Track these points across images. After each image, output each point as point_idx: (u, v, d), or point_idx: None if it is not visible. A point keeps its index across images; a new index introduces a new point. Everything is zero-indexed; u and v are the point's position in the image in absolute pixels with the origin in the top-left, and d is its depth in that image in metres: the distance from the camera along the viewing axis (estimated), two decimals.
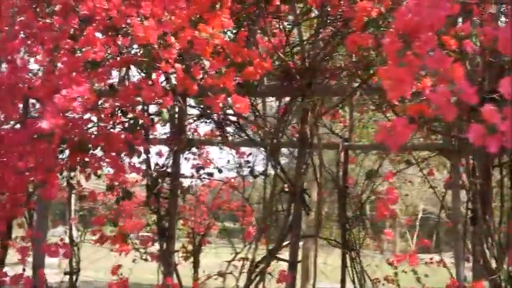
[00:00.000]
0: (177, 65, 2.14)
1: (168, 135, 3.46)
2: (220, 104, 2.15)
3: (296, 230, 2.96)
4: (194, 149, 4.08)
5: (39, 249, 3.19)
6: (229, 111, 2.98)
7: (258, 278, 2.90)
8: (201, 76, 2.20)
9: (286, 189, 3.02)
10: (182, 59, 2.23)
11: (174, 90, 2.17)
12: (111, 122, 3.02)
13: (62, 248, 3.04)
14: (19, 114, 2.91)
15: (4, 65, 3.45)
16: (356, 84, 3.02)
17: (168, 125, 3.46)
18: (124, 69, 3.10)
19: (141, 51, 2.23)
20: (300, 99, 3.02)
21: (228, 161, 5.25)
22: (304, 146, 3.00)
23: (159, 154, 3.60)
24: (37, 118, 2.78)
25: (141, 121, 3.08)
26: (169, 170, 3.25)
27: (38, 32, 2.46)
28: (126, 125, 2.98)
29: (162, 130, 3.53)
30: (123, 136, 2.76)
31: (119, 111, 3.04)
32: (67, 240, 3.77)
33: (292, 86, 2.98)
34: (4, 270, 3.10)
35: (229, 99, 2.19)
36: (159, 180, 3.16)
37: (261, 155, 4.04)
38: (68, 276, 4.05)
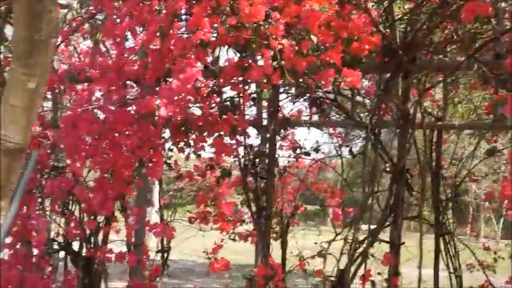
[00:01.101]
0: (285, 41, 2.10)
1: (253, 116, 3.46)
2: (331, 79, 2.10)
3: (398, 210, 2.86)
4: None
5: (142, 227, 3.31)
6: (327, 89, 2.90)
7: (359, 260, 2.84)
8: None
9: (388, 169, 2.92)
10: (288, 35, 2.19)
11: (281, 68, 2.13)
12: (207, 103, 3.06)
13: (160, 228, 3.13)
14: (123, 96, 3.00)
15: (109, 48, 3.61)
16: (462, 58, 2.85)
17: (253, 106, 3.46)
18: (217, 49, 3.12)
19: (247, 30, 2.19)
20: (401, 75, 2.90)
21: (317, 141, 5.21)
22: (407, 124, 2.89)
23: (247, 135, 3.60)
24: (138, 99, 2.86)
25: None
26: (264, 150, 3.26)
27: (144, 14, 2.50)
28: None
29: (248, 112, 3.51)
30: (224, 116, 2.78)
31: (214, 92, 3.08)
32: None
33: (393, 61, 2.86)
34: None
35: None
36: (256, 160, 3.16)
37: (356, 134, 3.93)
38: (159, 255, 4.17)
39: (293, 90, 3.21)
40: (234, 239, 3.84)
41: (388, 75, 2.91)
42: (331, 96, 3.02)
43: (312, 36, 2.07)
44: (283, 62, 2.12)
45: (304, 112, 4.95)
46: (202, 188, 6.21)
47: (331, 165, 4.12)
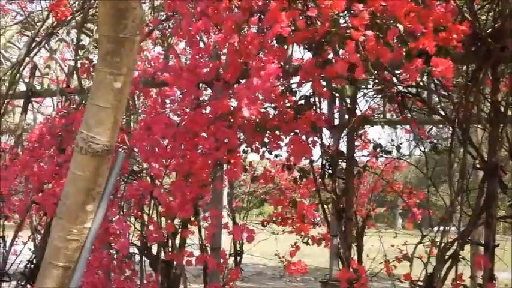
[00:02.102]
0: (368, 32, 1.98)
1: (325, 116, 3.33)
2: (418, 71, 1.97)
3: (491, 210, 2.66)
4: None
5: (218, 230, 3.27)
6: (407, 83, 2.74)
7: (449, 263, 2.66)
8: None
9: (478, 166, 2.72)
10: (370, 25, 2.07)
11: (366, 60, 2.01)
12: (281, 102, 2.99)
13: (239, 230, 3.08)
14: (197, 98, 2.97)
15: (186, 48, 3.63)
16: None
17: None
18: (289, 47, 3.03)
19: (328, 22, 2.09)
20: (491, 65, 2.69)
21: (392, 139, 5.01)
22: (498, 118, 2.67)
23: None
24: (213, 100, 2.82)
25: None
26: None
27: (218, 12, 2.45)
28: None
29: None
30: (303, 116, 2.69)
31: (288, 91, 2.99)
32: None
33: (481, 51, 2.66)
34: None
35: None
36: (334, 160, 3.05)
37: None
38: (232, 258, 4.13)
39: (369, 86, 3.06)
40: (307, 243, 3.74)
41: (476, 65, 2.71)
42: (413, 90, 2.86)
43: (398, 25, 1.94)
44: (365, 53, 2.01)
45: (377, 109, 4.78)
46: (274, 190, 6.16)
47: (407, 164, 3.91)
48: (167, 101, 3.18)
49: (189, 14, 2.60)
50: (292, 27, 2.28)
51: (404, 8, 1.90)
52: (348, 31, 2.00)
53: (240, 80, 2.81)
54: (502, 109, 2.74)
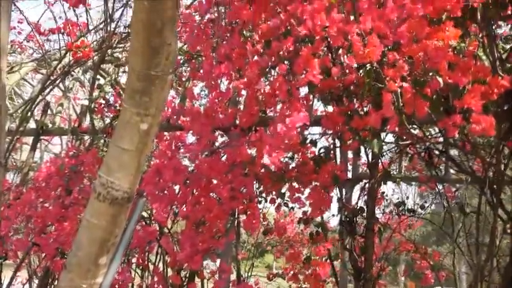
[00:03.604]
0: (405, 84, 1.88)
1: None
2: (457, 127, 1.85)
3: None
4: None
5: (227, 284, 3.09)
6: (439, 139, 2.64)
7: None
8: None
9: (509, 231, 2.57)
10: (405, 78, 1.97)
11: (402, 113, 1.90)
12: (300, 153, 2.88)
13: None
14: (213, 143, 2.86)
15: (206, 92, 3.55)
16: None
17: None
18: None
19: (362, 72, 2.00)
20: None
21: (407, 197, 4.86)
22: None
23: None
24: (230, 147, 2.71)
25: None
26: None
27: (243, 57, 2.37)
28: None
29: None
30: (325, 167, 2.57)
31: (309, 141, 2.89)
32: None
33: None
34: None
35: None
36: (354, 217, 2.90)
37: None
38: None
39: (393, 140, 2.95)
40: None
41: (509, 123, 2.60)
42: (440, 147, 2.74)
43: (438, 77, 1.84)
44: (402, 105, 1.90)
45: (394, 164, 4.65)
46: (280, 244, 5.96)
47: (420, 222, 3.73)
48: (180, 144, 3.08)
49: (211, 57, 2.52)
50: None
51: (446, 59, 1.80)
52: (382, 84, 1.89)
53: (256, 128, 2.72)
54: None
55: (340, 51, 2.11)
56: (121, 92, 3.84)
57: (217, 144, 2.95)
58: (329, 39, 2.06)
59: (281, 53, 2.18)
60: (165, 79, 1.21)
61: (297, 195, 2.69)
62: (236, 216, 2.80)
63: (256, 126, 2.73)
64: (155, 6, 1.16)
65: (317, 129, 3.00)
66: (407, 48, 1.85)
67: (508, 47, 2.84)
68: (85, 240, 1.25)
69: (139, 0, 1.18)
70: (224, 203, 2.49)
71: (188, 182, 2.65)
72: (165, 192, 2.65)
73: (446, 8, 1.93)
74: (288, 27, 2.14)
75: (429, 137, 2.67)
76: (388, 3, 1.90)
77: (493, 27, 2.64)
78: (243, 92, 2.54)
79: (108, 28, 3.91)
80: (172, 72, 1.26)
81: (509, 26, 2.81)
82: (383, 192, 3.91)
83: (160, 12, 1.16)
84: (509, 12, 2.30)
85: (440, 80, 1.88)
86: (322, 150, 2.87)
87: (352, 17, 2.06)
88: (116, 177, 1.20)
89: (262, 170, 2.71)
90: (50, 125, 4.84)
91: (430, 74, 1.86)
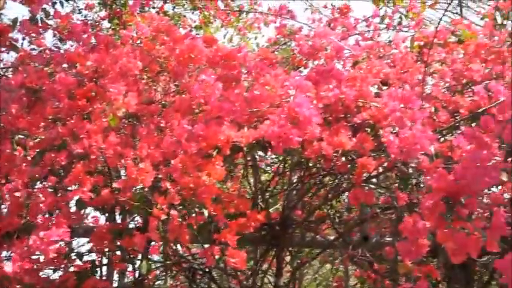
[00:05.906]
0: (173, 212, 1.98)
1: None
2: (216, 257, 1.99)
3: None
4: None
5: None
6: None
7: None
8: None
9: None
10: (174, 205, 2.08)
11: (165, 238, 1.98)
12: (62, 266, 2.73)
13: None
14: None
15: None
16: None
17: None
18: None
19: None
20: (276, 249, 2.90)
21: None
22: None
23: None
24: None
25: None
26: None
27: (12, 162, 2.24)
28: None
29: None
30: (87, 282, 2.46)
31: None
32: None
33: (269, 235, 2.86)
34: None
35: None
36: None
37: None
38: None
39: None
40: None
41: (264, 248, 2.89)
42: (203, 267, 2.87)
43: (204, 210, 1.99)
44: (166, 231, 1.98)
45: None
46: None
47: None
48: None
49: None
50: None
51: (212, 195, 1.96)
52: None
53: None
54: None
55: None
56: None
57: None
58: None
59: (54, 165, 2.13)
60: None
61: None
62: None
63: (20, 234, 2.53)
64: None
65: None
66: (181, 180, 1.96)
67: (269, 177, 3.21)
68: None
69: None
70: None
71: None
72: None
73: (217, 146, 2.13)
74: (64, 141, 2.12)
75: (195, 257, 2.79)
76: (166, 137, 2.04)
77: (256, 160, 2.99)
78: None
79: None
80: None
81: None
82: None
83: None
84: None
85: (205, 212, 2.02)
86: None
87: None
88: None
89: None
90: None
91: (197, 205, 2.00)
